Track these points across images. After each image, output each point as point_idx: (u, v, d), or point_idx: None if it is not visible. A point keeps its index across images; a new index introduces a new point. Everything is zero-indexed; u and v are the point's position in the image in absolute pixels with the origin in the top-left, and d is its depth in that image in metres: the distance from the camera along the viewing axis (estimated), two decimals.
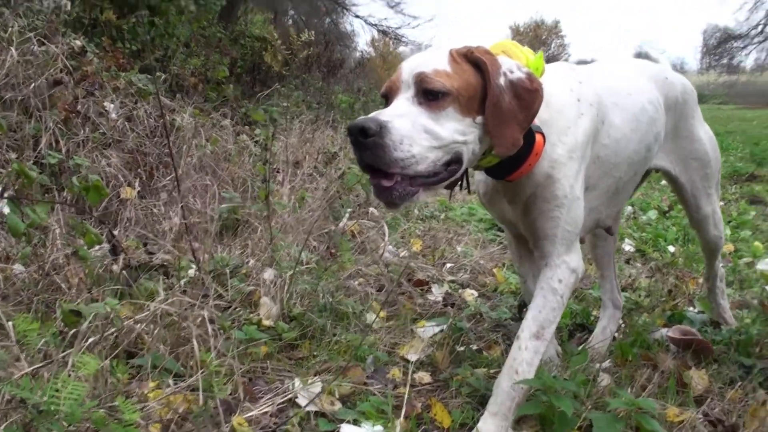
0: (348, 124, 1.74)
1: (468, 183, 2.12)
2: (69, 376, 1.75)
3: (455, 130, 1.78)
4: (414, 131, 1.73)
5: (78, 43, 4.39)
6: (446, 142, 1.77)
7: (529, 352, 1.96)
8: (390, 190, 1.73)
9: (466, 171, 2.05)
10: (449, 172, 1.83)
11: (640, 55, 2.82)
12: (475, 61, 1.84)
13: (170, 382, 2.06)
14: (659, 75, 2.57)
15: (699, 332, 2.75)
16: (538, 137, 1.90)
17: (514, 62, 1.88)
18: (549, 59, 2.09)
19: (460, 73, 1.81)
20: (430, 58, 1.85)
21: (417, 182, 1.76)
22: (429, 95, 1.77)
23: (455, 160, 1.82)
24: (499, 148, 1.80)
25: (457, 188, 2.09)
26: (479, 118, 1.82)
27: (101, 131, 3.97)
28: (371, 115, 1.74)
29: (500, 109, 1.79)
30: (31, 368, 1.84)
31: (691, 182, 2.68)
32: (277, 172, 4.59)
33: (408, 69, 1.83)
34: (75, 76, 4.14)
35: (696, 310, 3.19)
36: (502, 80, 1.81)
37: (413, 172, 1.73)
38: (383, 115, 1.74)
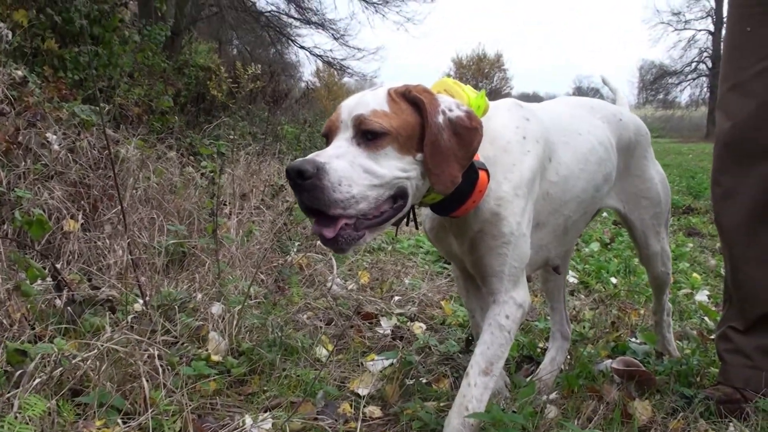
0: (286, 167, 1.74)
1: (415, 219, 2.14)
2: (15, 417, 1.70)
3: (395, 167, 1.79)
4: (353, 171, 1.73)
5: (19, 73, 4.32)
6: (386, 180, 1.78)
7: (478, 388, 1.98)
8: (335, 239, 1.73)
9: (412, 207, 2.08)
10: (395, 209, 1.84)
11: (580, 89, 2.90)
12: (413, 100, 1.85)
13: (118, 420, 2.02)
14: (613, 116, 2.63)
15: (642, 363, 2.81)
16: (481, 174, 1.92)
17: (454, 101, 1.90)
18: (492, 92, 2.13)
19: (398, 113, 1.82)
20: (368, 99, 1.86)
21: (362, 225, 1.77)
22: (367, 135, 1.78)
23: (400, 195, 1.84)
24: (438, 185, 1.82)
25: (403, 223, 2.11)
26: (419, 156, 1.83)
27: (43, 163, 3.90)
28: (309, 156, 1.75)
29: (438, 147, 1.81)
30: None
31: (641, 220, 2.74)
32: (225, 205, 4.56)
33: (347, 110, 1.84)
34: (16, 107, 4.07)
35: (638, 341, 3.26)
36: (440, 118, 1.83)
37: (355, 211, 1.73)
38: (321, 156, 1.74)
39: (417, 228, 2.25)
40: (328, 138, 1.88)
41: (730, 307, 2.60)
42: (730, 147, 2.47)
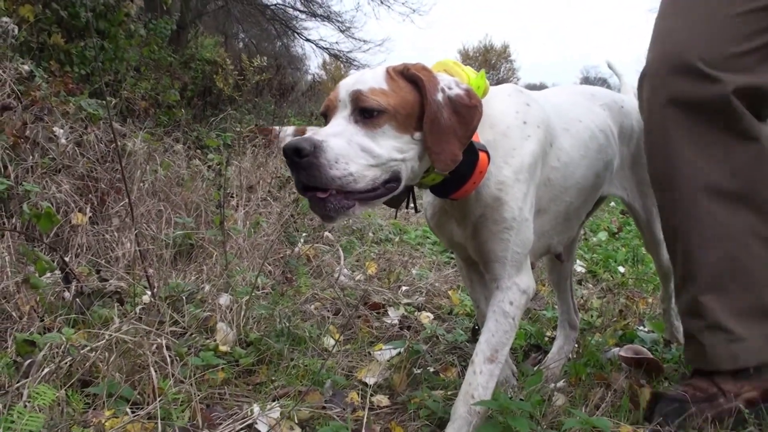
0: (283, 146, 1.74)
1: (414, 202, 2.13)
2: (25, 406, 1.72)
3: (393, 147, 1.78)
4: (350, 150, 1.73)
5: (26, 67, 4.33)
6: (383, 160, 1.77)
7: (484, 376, 1.98)
8: (324, 203, 1.72)
9: (411, 189, 2.07)
10: (387, 189, 1.82)
11: (587, 79, 2.89)
12: (411, 77, 1.84)
13: (127, 410, 2.03)
14: (615, 103, 2.62)
15: (650, 351, 2.81)
16: (482, 155, 1.90)
17: (453, 79, 1.89)
18: (499, 83, 2.11)
19: (396, 90, 1.81)
20: (366, 77, 1.85)
21: (353, 196, 1.75)
22: (365, 113, 1.77)
23: (393, 179, 1.82)
24: (438, 163, 1.80)
25: (404, 207, 2.11)
26: (417, 135, 1.82)
27: (51, 157, 3.91)
28: (306, 134, 1.75)
29: (438, 124, 1.79)
30: None
31: (646, 208, 2.73)
32: (231, 197, 4.57)
33: (345, 88, 1.83)
34: (23, 101, 4.08)
35: (646, 330, 3.26)
36: (439, 96, 1.81)
37: (351, 189, 1.73)
38: (319, 134, 1.74)
39: (416, 211, 2.24)
40: (326, 117, 1.87)
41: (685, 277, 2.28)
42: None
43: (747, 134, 2.11)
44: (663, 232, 2.39)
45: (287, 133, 7.86)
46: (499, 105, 2.07)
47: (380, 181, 1.78)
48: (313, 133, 1.76)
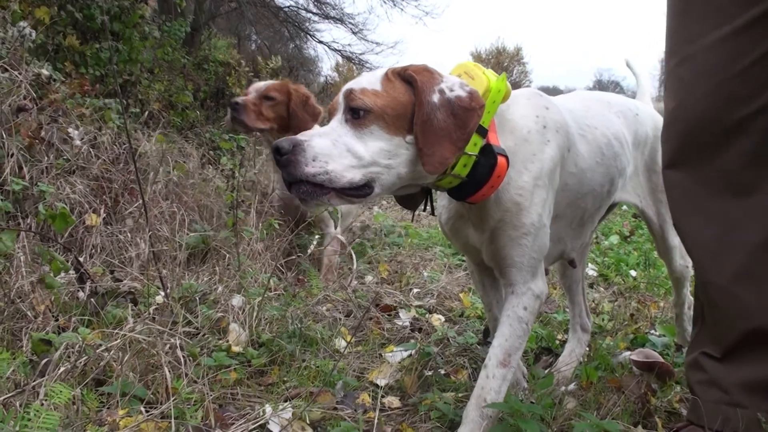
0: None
1: (432, 204, 2.14)
2: (41, 405, 1.74)
3: (380, 149, 1.79)
4: (333, 149, 1.76)
5: (45, 72, 4.37)
6: (367, 162, 1.77)
7: (496, 380, 1.98)
8: (299, 187, 1.76)
9: (429, 192, 2.08)
10: (362, 193, 1.82)
11: (600, 83, 2.89)
12: (407, 78, 1.85)
13: (141, 409, 2.05)
14: (629, 111, 2.61)
15: (661, 355, 2.81)
16: (500, 160, 1.88)
17: (459, 80, 1.87)
18: (511, 85, 2.10)
19: (389, 91, 1.82)
20: (363, 78, 1.87)
21: (326, 189, 1.77)
22: (354, 113, 1.79)
23: (368, 185, 1.81)
24: (427, 166, 1.79)
25: (421, 210, 2.12)
26: (410, 137, 1.81)
27: (65, 158, 3.95)
28: (295, 135, 1.79)
29: (431, 126, 1.78)
30: (2, 398, 1.82)
31: (659, 215, 2.73)
32: (244, 201, 4.59)
33: (343, 89, 1.86)
34: (39, 103, 4.12)
35: (658, 334, 3.26)
36: (435, 97, 1.80)
37: (327, 187, 1.75)
38: (304, 135, 1.78)
39: (433, 214, 2.24)
40: (330, 120, 1.90)
41: (702, 326, 2.11)
42: (686, 135, 1.99)
43: None
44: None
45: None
46: (520, 109, 2.06)
47: (356, 184, 1.79)
48: (301, 134, 1.79)
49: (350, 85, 1.86)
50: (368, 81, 1.85)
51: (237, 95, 5.19)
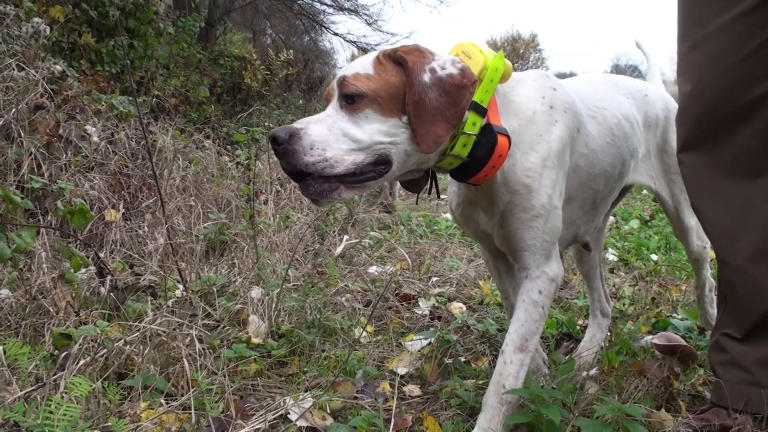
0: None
1: (437, 187, 2.12)
2: (62, 398, 1.75)
3: (377, 131, 1.78)
4: (329, 135, 1.75)
5: (58, 67, 4.40)
6: (366, 144, 1.77)
7: (514, 365, 1.97)
8: (307, 186, 1.76)
9: (434, 175, 2.07)
10: (377, 171, 1.82)
11: (618, 67, 2.86)
12: (398, 59, 1.83)
13: (162, 401, 2.06)
14: (638, 92, 2.58)
15: (683, 338, 2.78)
16: (501, 139, 1.86)
17: (452, 58, 1.86)
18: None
19: (381, 74, 1.81)
20: (355, 63, 1.87)
21: (336, 180, 1.77)
22: (348, 99, 1.79)
23: (382, 161, 1.81)
24: (422, 145, 1.78)
25: (426, 193, 2.10)
26: (405, 118, 1.80)
27: (83, 154, 3.98)
28: (291, 124, 1.79)
29: (423, 106, 1.77)
30: (24, 392, 1.84)
31: (673, 196, 2.69)
32: (261, 192, 4.61)
33: (337, 76, 1.87)
34: (56, 101, 4.15)
35: (680, 317, 3.23)
36: (426, 77, 1.79)
37: (330, 174, 1.75)
38: (300, 122, 1.78)
39: (438, 196, 2.22)
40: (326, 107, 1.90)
41: (725, 309, 2.13)
42: (700, 118, 2.02)
43: None
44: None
45: None
46: (525, 91, 2.04)
47: (365, 163, 1.78)
48: (297, 122, 1.80)
49: (343, 71, 1.86)
50: (360, 65, 1.84)
51: (253, 89, 5.21)
